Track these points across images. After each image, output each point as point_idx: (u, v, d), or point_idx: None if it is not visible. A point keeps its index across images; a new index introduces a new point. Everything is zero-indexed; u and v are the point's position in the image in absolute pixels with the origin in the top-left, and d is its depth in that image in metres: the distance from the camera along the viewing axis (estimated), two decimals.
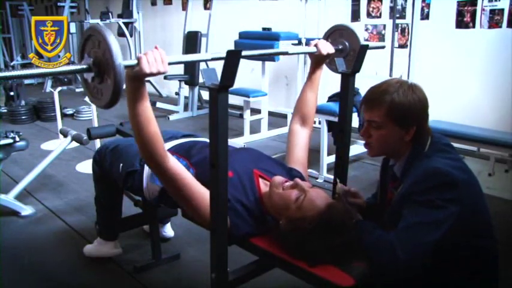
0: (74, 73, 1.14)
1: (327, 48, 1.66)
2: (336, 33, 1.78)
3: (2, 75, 1.04)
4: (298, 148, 1.77)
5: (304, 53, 1.72)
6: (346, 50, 1.74)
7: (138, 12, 6.82)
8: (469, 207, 1.28)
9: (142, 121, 1.28)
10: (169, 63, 1.21)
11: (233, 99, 4.13)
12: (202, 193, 1.41)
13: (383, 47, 2.15)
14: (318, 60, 1.71)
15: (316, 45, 1.65)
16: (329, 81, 4.28)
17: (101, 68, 1.09)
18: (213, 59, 1.27)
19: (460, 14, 3.92)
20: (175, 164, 1.39)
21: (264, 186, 1.53)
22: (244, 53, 1.23)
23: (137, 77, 1.20)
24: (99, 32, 1.08)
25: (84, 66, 1.11)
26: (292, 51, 1.68)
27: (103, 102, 1.12)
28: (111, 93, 1.08)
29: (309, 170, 2.94)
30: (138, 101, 1.25)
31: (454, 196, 1.25)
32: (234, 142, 4.02)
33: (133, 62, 1.16)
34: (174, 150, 1.72)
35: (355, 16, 4.63)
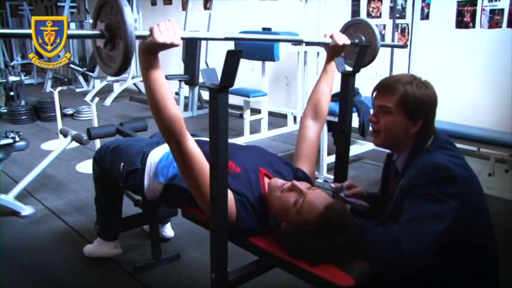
0: (86, 37, 1.16)
1: (342, 39, 1.65)
2: (352, 27, 1.78)
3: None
4: (308, 143, 1.76)
5: (320, 43, 1.70)
6: (363, 44, 1.73)
7: (138, 12, 6.83)
8: (469, 205, 1.29)
9: (160, 96, 1.26)
10: (182, 38, 1.20)
11: (233, 99, 4.13)
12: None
13: (404, 47, 2.14)
14: (333, 52, 1.70)
15: (331, 36, 1.65)
16: None
17: (113, 32, 1.09)
18: (226, 39, 1.29)
19: (460, 14, 3.92)
20: (195, 145, 1.36)
21: (268, 185, 1.53)
22: (256, 36, 1.23)
23: (150, 48, 1.19)
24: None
25: (97, 32, 1.12)
26: (307, 40, 1.68)
27: (114, 68, 1.12)
28: (122, 57, 1.08)
29: None
30: (153, 72, 1.24)
31: (454, 191, 1.25)
32: (234, 142, 4.01)
33: (146, 32, 1.16)
34: None
35: (355, 16, 4.63)
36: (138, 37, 1.12)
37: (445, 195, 1.24)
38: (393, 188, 1.46)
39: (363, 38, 1.73)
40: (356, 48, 1.73)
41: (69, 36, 1.12)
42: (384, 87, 1.40)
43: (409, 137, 1.40)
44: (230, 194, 1.37)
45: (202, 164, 1.36)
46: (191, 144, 1.35)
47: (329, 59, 1.75)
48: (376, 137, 1.46)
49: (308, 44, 1.73)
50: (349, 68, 1.75)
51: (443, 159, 1.30)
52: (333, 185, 1.57)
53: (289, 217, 1.36)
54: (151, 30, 1.16)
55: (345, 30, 1.79)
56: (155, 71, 1.24)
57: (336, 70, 1.76)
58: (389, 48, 3.68)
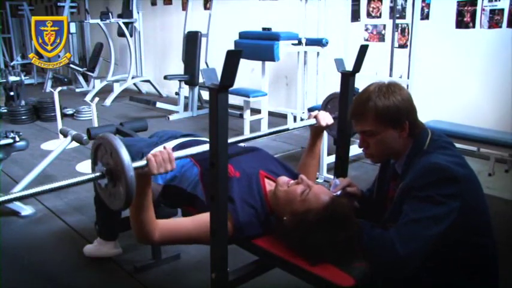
0: (90, 181, 1.24)
1: (326, 119, 1.75)
2: (333, 101, 1.86)
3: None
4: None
5: (305, 126, 1.80)
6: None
7: (138, 12, 6.83)
8: (469, 204, 1.28)
9: (143, 213, 1.34)
10: (177, 158, 1.32)
11: (233, 99, 4.14)
12: (195, 228, 1.42)
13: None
14: (318, 131, 1.79)
15: (316, 117, 1.74)
16: (329, 81, 4.29)
17: (114, 175, 1.18)
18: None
19: (460, 14, 3.92)
20: (164, 230, 1.40)
21: (269, 186, 1.54)
22: None
23: (145, 175, 1.29)
24: (109, 142, 1.16)
25: (98, 174, 1.21)
26: (293, 127, 1.79)
27: (118, 205, 1.20)
28: (124, 200, 1.16)
29: None
30: (143, 197, 1.32)
31: (455, 191, 1.25)
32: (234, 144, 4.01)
33: (143, 163, 1.26)
34: (175, 150, 1.72)
35: (355, 16, 4.63)
36: (136, 168, 1.20)
37: (444, 197, 1.24)
38: (393, 191, 1.46)
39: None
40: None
41: (72, 185, 1.23)
42: (356, 113, 1.40)
43: (403, 142, 1.39)
44: None
45: (181, 232, 1.42)
46: (163, 232, 1.40)
47: (313, 137, 1.81)
48: (373, 159, 1.46)
49: (295, 129, 1.83)
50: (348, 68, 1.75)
51: (443, 159, 1.29)
52: (337, 181, 1.55)
53: (294, 208, 1.38)
54: (148, 162, 1.26)
55: (328, 102, 1.88)
56: (145, 197, 1.32)
57: (320, 146, 1.85)
58: (389, 48, 3.68)
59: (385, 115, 1.34)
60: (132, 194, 1.14)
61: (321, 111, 1.80)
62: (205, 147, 1.40)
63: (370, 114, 1.35)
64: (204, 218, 1.38)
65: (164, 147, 1.30)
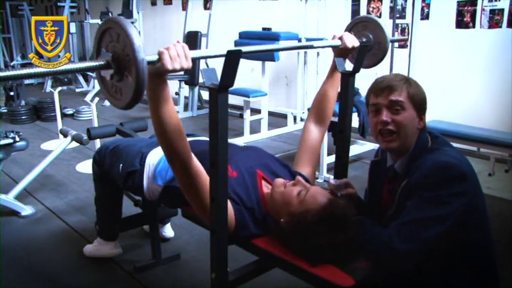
0: (91, 70, 1.02)
1: (352, 41, 1.60)
2: (359, 25, 1.71)
3: (7, 75, 0.95)
4: (310, 147, 1.74)
5: (329, 46, 1.65)
6: (371, 43, 1.67)
7: (138, 12, 6.82)
8: (473, 201, 1.29)
9: (167, 119, 1.21)
10: (193, 59, 1.15)
11: (233, 99, 4.13)
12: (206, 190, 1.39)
13: (406, 39, 2.10)
14: (342, 54, 1.65)
15: (341, 38, 1.59)
16: None
17: (121, 64, 0.99)
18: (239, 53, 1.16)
19: (460, 14, 3.92)
20: (198, 165, 1.34)
21: (266, 188, 1.53)
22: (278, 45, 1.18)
23: (159, 73, 1.13)
24: (119, 23, 0.97)
25: (102, 62, 1.01)
26: (317, 45, 1.61)
27: (123, 102, 1.03)
28: (132, 92, 0.98)
29: None
30: (161, 99, 1.18)
31: (463, 189, 1.25)
32: (234, 142, 4.02)
33: (155, 57, 1.08)
34: None
35: (355, 16, 4.62)
36: (148, 62, 1.01)
37: (451, 196, 1.24)
38: (387, 193, 1.45)
39: (371, 37, 1.67)
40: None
41: (73, 71, 1.02)
42: (388, 86, 1.36)
43: (415, 134, 1.38)
44: (228, 202, 1.34)
45: (205, 181, 1.32)
46: (196, 164, 1.32)
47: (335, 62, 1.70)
48: (392, 140, 1.36)
49: (318, 47, 1.66)
50: (349, 67, 1.73)
51: (451, 157, 1.29)
52: (332, 181, 1.53)
53: (291, 209, 1.36)
54: (160, 55, 1.09)
55: (352, 27, 1.73)
56: (165, 103, 1.19)
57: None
58: (390, 48, 3.68)
59: (416, 98, 1.36)
60: (143, 80, 0.95)
61: (345, 32, 1.65)
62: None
63: (405, 90, 1.35)
64: None
65: (178, 41, 1.12)
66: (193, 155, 1.33)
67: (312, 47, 1.55)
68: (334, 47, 1.63)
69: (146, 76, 0.97)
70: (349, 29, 1.74)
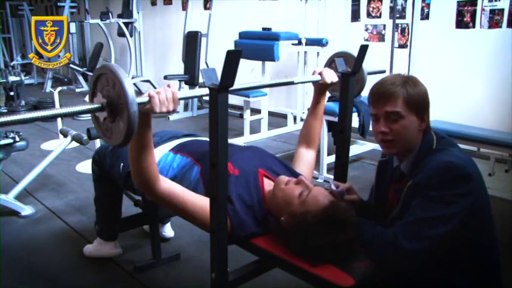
0: (87, 112, 1.12)
1: (331, 76, 1.68)
2: (339, 59, 1.79)
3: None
4: (303, 164, 1.79)
5: (310, 82, 1.74)
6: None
7: (138, 12, 6.82)
8: (478, 201, 1.29)
9: (142, 150, 1.30)
10: (180, 99, 1.24)
11: (233, 99, 4.14)
12: (197, 203, 1.41)
13: (383, 71, 2.13)
14: (321, 89, 1.74)
15: (320, 74, 1.67)
16: None
17: (114, 109, 1.08)
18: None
19: (460, 14, 3.92)
20: (168, 184, 1.39)
21: (267, 185, 1.54)
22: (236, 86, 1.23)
23: (146, 113, 1.22)
24: (115, 74, 1.06)
25: (98, 105, 1.10)
26: (298, 81, 1.70)
27: (114, 142, 1.11)
28: (122, 137, 1.07)
29: None
30: (143, 132, 1.26)
31: (468, 189, 1.25)
32: (234, 142, 4.02)
33: (145, 99, 1.18)
34: (177, 150, 1.72)
35: (355, 16, 4.63)
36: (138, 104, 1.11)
37: (457, 196, 1.24)
38: (394, 193, 1.45)
39: (349, 70, 1.73)
40: (348, 70, 1.74)
41: (68, 114, 1.09)
42: (385, 94, 1.34)
43: (418, 137, 1.38)
44: None
45: (184, 197, 1.40)
46: (165, 185, 1.38)
47: (317, 95, 1.78)
48: (389, 147, 1.38)
49: (299, 83, 1.77)
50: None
51: (456, 157, 1.29)
52: (333, 187, 1.52)
53: (291, 209, 1.37)
54: (150, 99, 1.18)
55: (331, 63, 1.82)
56: (145, 132, 1.27)
57: (323, 104, 1.80)
58: (389, 48, 3.69)
59: (415, 100, 1.34)
60: (133, 129, 1.05)
61: (325, 68, 1.74)
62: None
63: (401, 96, 1.33)
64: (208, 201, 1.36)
65: (168, 85, 1.23)
66: (162, 179, 1.38)
67: (292, 83, 1.63)
68: (314, 83, 1.72)
69: (136, 125, 1.06)
70: (328, 63, 1.83)
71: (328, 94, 1.84)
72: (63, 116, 1.10)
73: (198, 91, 1.31)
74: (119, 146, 1.11)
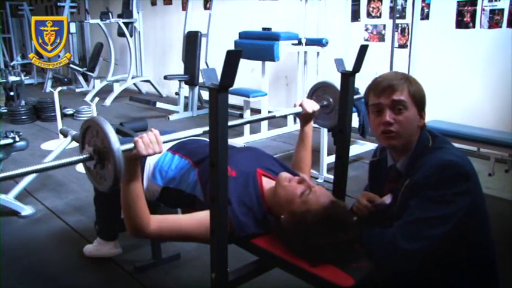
0: (77, 163, 1.21)
1: (311, 106, 1.73)
2: (319, 90, 1.85)
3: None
4: None
5: (291, 114, 1.77)
6: (331, 105, 1.81)
7: (138, 12, 6.83)
8: (475, 201, 1.29)
9: (134, 198, 1.34)
10: (164, 142, 1.31)
11: (233, 99, 4.14)
12: (190, 225, 1.42)
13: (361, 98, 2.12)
14: (305, 119, 1.78)
15: (301, 105, 1.73)
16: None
17: (101, 155, 1.18)
18: (204, 133, 1.35)
19: (460, 14, 3.92)
20: (157, 222, 1.41)
21: (267, 184, 1.53)
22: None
23: (134, 158, 1.28)
24: (96, 122, 1.17)
25: (86, 155, 1.20)
26: (279, 115, 1.75)
27: (107, 186, 1.19)
28: (112, 177, 1.15)
29: None
30: (133, 182, 1.33)
31: (466, 188, 1.25)
32: (234, 142, 4.02)
33: (130, 145, 1.26)
34: (175, 150, 1.72)
35: (355, 16, 4.63)
36: (124, 151, 1.20)
37: (455, 195, 1.24)
38: (388, 193, 1.45)
39: (331, 100, 1.80)
40: (327, 109, 1.82)
41: (56, 167, 1.16)
42: (390, 86, 1.34)
43: (416, 132, 1.38)
44: None
45: (178, 227, 1.42)
46: (155, 225, 1.40)
47: (302, 126, 1.81)
48: (391, 138, 1.35)
49: (281, 116, 1.79)
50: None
51: (455, 155, 1.29)
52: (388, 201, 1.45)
53: (292, 208, 1.37)
54: (135, 144, 1.25)
55: (313, 93, 1.87)
56: (135, 181, 1.34)
57: (311, 134, 1.83)
58: (389, 48, 3.68)
59: (418, 95, 1.35)
60: (120, 171, 1.14)
61: (305, 98, 1.79)
62: (192, 132, 1.40)
63: (406, 89, 1.34)
64: (203, 215, 1.38)
65: (151, 130, 1.31)
66: (152, 219, 1.40)
67: (273, 117, 1.71)
68: (298, 114, 1.77)
69: (122, 162, 1.14)
70: (310, 95, 1.88)
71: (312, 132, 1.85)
72: (54, 168, 1.18)
73: (183, 133, 1.39)
74: (112, 187, 1.18)
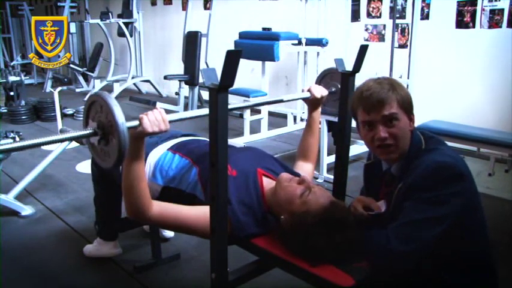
0: (80, 138, 1.21)
1: (320, 91, 1.71)
2: (327, 77, 1.84)
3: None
4: (303, 173, 1.78)
5: (299, 99, 1.78)
6: (339, 92, 1.78)
7: (138, 12, 6.83)
8: (469, 201, 1.29)
9: (136, 178, 1.32)
10: (170, 121, 1.27)
11: (233, 99, 4.14)
12: (192, 216, 1.42)
13: None
14: (313, 104, 1.77)
15: (309, 90, 1.71)
16: None
17: (105, 130, 1.14)
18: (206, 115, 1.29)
19: (460, 14, 3.92)
20: (159, 208, 1.40)
21: (267, 184, 1.54)
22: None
23: (139, 136, 1.25)
24: (100, 96, 1.13)
25: (90, 131, 1.16)
26: (287, 99, 1.72)
27: (111, 162, 1.16)
28: (117, 152, 1.12)
29: None
30: (136, 161, 1.30)
31: (460, 188, 1.25)
32: (234, 142, 4.02)
33: (135, 122, 1.22)
34: (175, 149, 1.72)
35: (355, 16, 4.63)
36: (129, 128, 1.16)
37: (449, 195, 1.24)
38: (383, 197, 1.44)
39: (338, 86, 1.76)
40: (334, 96, 1.79)
41: (62, 140, 1.16)
42: (379, 101, 1.32)
43: (408, 136, 1.37)
44: None
45: (179, 215, 1.41)
46: (157, 209, 1.39)
47: (310, 112, 1.80)
48: (389, 152, 1.35)
49: (288, 101, 1.76)
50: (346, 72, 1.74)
51: (449, 156, 1.29)
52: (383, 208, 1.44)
53: (292, 208, 1.37)
54: (140, 120, 1.22)
55: (321, 79, 1.85)
56: (138, 160, 1.31)
57: (319, 120, 1.82)
58: (389, 48, 3.69)
59: (406, 102, 1.35)
60: (125, 146, 1.10)
61: (313, 84, 1.78)
62: (198, 112, 1.38)
63: (394, 99, 1.33)
64: (203, 209, 1.38)
65: (156, 107, 1.28)
66: (154, 204, 1.39)
67: (281, 101, 1.67)
68: (305, 99, 1.75)
69: (127, 136, 1.11)
70: (318, 81, 1.86)
71: (320, 118, 1.85)
72: (56, 142, 1.16)
73: (189, 113, 1.37)
74: (117, 163, 1.14)
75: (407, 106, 1.35)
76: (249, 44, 4.53)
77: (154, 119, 1.24)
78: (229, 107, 1.26)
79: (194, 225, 1.41)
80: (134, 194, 1.33)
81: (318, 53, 4.57)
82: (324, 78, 1.85)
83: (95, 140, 1.18)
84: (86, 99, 3.70)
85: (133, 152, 1.28)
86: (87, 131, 1.16)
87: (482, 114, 3.79)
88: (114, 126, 1.10)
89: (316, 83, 1.85)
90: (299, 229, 1.32)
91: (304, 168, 1.81)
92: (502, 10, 3.68)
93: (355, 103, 1.40)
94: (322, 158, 3.36)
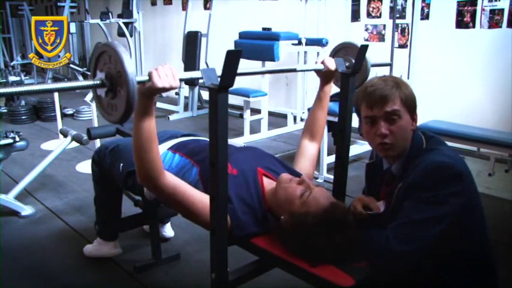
0: (87, 88, 1.13)
1: (333, 64, 1.68)
2: (341, 51, 1.81)
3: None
4: (305, 159, 1.79)
5: (312, 70, 1.73)
6: (352, 66, 1.72)
7: (138, 12, 6.82)
8: (469, 200, 1.29)
9: (147, 138, 1.28)
10: (181, 80, 1.23)
11: (233, 99, 4.14)
12: (202, 200, 1.41)
13: (389, 64, 2.11)
14: (326, 77, 1.74)
15: (323, 62, 1.67)
16: None
17: (114, 81, 1.09)
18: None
19: (460, 14, 3.92)
20: (172, 179, 1.39)
21: (267, 184, 1.54)
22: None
23: (149, 92, 1.20)
24: (110, 46, 1.08)
25: (97, 82, 1.11)
26: (300, 69, 1.69)
27: (117, 115, 1.11)
28: (124, 104, 1.07)
29: None
30: (146, 118, 1.26)
31: (459, 188, 1.25)
32: (234, 142, 4.02)
33: (145, 77, 1.17)
34: (175, 149, 1.72)
35: (355, 16, 4.63)
36: (138, 82, 1.11)
37: (448, 195, 1.24)
38: (384, 196, 1.44)
39: (353, 61, 1.72)
40: (348, 70, 1.73)
41: (69, 89, 1.11)
42: (382, 97, 1.33)
43: (410, 136, 1.38)
44: None
45: (186, 192, 1.40)
46: (169, 179, 1.38)
47: (322, 85, 1.78)
48: (389, 149, 1.36)
49: (302, 71, 1.73)
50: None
51: (448, 156, 1.29)
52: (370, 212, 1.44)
53: (292, 209, 1.37)
54: (150, 75, 1.17)
55: (335, 53, 1.82)
56: (148, 118, 1.26)
57: (329, 94, 1.79)
58: (389, 48, 3.68)
59: (409, 100, 1.35)
60: (133, 97, 1.05)
61: (327, 56, 1.74)
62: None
63: (398, 97, 1.33)
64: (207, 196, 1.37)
65: (165, 63, 1.23)
66: (167, 173, 1.38)
67: (295, 70, 1.64)
68: (317, 72, 1.71)
69: (136, 89, 1.05)
70: (332, 54, 1.83)
71: (331, 92, 1.82)
72: (62, 90, 1.13)
73: (196, 73, 1.28)
74: (124, 117, 1.09)
75: (410, 104, 1.35)
76: (249, 44, 4.54)
77: (165, 75, 1.18)
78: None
79: (199, 210, 1.39)
80: (146, 156, 1.30)
81: (318, 53, 4.56)
82: (338, 52, 1.82)
83: (102, 92, 1.12)
84: (86, 99, 3.70)
85: (142, 109, 1.23)
86: (95, 82, 1.11)
87: (482, 114, 3.79)
88: (123, 76, 1.04)
89: (330, 55, 1.82)
90: (299, 229, 1.32)
91: (309, 150, 1.80)
92: (502, 10, 3.68)
93: (359, 99, 1.41)
94: (322, 158, 3.36)
